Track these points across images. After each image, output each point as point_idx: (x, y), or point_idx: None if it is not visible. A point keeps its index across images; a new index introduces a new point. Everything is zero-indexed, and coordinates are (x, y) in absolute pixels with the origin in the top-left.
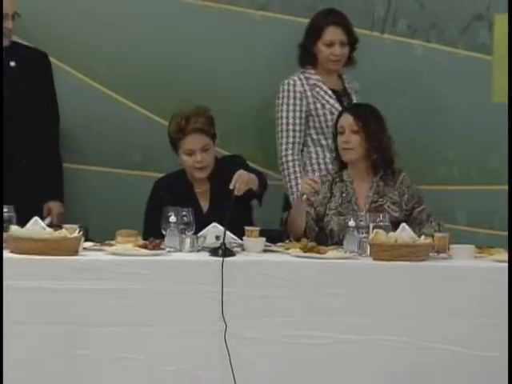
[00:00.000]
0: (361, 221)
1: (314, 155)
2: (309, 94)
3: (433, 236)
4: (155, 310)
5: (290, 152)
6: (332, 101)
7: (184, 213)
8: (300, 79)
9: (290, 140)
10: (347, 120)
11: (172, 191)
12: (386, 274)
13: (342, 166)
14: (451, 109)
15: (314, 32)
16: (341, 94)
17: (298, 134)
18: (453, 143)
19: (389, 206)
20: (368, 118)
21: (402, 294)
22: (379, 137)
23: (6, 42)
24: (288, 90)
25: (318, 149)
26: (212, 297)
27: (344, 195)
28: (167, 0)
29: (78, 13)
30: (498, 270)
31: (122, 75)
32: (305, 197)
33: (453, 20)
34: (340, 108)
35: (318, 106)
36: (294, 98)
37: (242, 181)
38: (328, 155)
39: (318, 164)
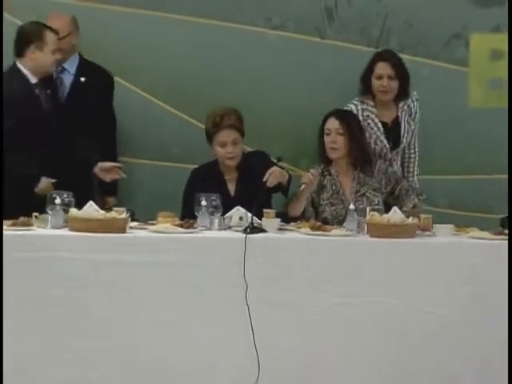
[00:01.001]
0: (360, 204)
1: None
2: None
3: (419, 216)
4: (187, 277)
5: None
6: (379, 133)
7: (213, 198)
8: (356, 106)
9: None
10: (333, 123)
11: (206, 178)
12: (380, 249)
13: (327, 162)
14: (433, 111)
15: (368, 67)
16: (389, 128)
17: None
18: (436, 141)
19: (370, 193)
20: (351, 122)
21: (393, 265)
22: (359, 138)
23: (59, 56)
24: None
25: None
26: (236, 266)
27: (333, 187)
28: (210, 30)
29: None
30: (474, 244)
31: (166, 86)
32: (303, 186)
33: (436, 38)
34: (385, 141)
35: (367, 135)
36: None
37: (274, 175)
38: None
39: None
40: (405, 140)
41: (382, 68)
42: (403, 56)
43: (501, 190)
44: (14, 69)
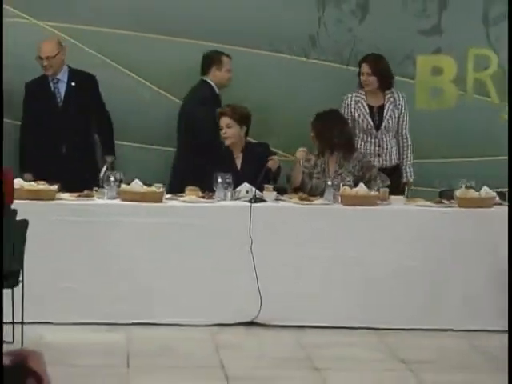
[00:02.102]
0: (336, 181)
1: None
2: (352, 105)
3: (379, 190)
4: (208, 234)
5: None
6: (365, 113)
7: (227, 177)
8: (351, 95)
9: None
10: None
11: (221, 155)
12: (350, 214)
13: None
14: None
15: (358, 67)
16: (375, 111)
17: None
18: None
19: (346, 174)
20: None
21: (360, 227)
22: (343, 131)
23: (49, 72)
24: (342, 100)
25: (357, 141)
26: (243, 226)
27: (322, 166)
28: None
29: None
30: (419, 210)
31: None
32: (301, 162)
33: (392, 58)
34: (370, 119)
35: (356, 114)
36: (344, 106)
37: (275, 162)
38: (364, 143)
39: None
40: (387, 122)
41: (363, 67)
42: None
43: (439, 170)
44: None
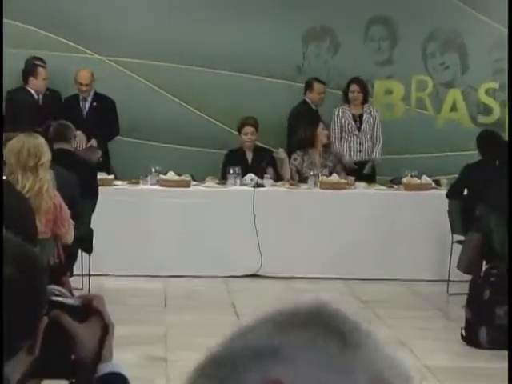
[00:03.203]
0: (316, 172)
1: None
2: (340, 115)
3: (347, 178)
4: (222, 210)
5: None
6: (350, 119)
7: (237, 169)
8: (339, 108)
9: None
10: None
11: (236, 154)
12: (325, 196)
13: (310, 147)
14: None
15: (346, 86)
16: (356, 116)
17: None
18: None
19: (327, 163)
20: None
21: (333, 205)
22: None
23: (83, 94)
24: (333, 112)
25: (344, 141)
26: (248, 205)
27: (310, 160)
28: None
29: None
30: (375, 193)
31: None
32: (287, 160)
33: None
34: (353, 123)
35: (343, 121)
36: (334, 116)
37: (280, 153)
38: (349, 142)
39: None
40: (365, 125)
41: (353, 87)
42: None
43: (391, 163)
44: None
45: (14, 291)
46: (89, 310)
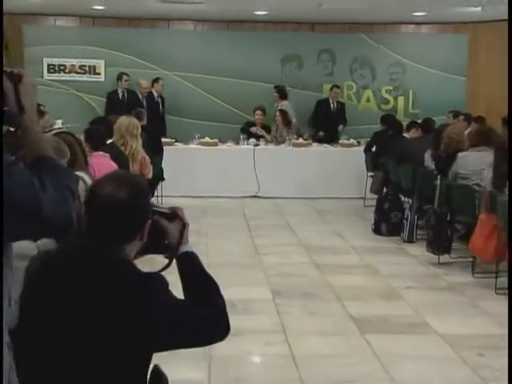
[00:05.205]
0: (291, 137)
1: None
2: (323, 102)
3: (307, 139)
4: (229, 163)
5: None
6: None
7: (244, 136)
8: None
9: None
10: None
11: (248, 125)
12: (296, 152)
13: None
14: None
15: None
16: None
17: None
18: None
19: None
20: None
21: (300, 156)
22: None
23: (143, 95)
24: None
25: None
26: (250, 156)
27: (279, 133)
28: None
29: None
30: (323, 149)
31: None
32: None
33: (313, 87)
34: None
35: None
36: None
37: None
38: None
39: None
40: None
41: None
42: (305, 91)
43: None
44: None
45: (133, 204)
46: (174, 215)
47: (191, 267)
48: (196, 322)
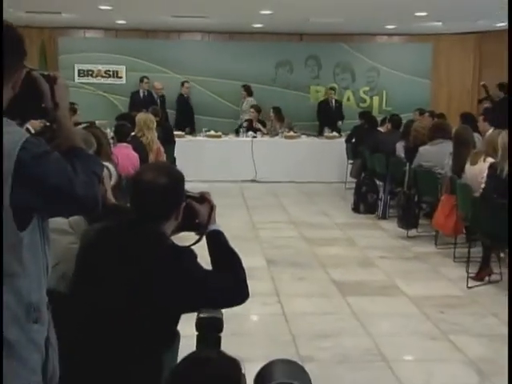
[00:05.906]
0: (284, 131)
1: None
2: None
3: (296, 132)
4: (230, 153)
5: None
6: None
7: (244, 129)
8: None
9: None
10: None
11: (248, 121)
12: (288, 141)
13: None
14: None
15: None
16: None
17: None
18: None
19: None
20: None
21: (292, 146)
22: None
23: (157, 94)
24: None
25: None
26: (249, 146)
27: (273, 126)
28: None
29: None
30: (311, 140)
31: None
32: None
33: (304, 88)
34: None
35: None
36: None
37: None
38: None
39: None
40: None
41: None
42: (295, 91)
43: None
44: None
45: (170, 189)
46: (204, 198)
47: (218, 243)
48: (219, 288)
